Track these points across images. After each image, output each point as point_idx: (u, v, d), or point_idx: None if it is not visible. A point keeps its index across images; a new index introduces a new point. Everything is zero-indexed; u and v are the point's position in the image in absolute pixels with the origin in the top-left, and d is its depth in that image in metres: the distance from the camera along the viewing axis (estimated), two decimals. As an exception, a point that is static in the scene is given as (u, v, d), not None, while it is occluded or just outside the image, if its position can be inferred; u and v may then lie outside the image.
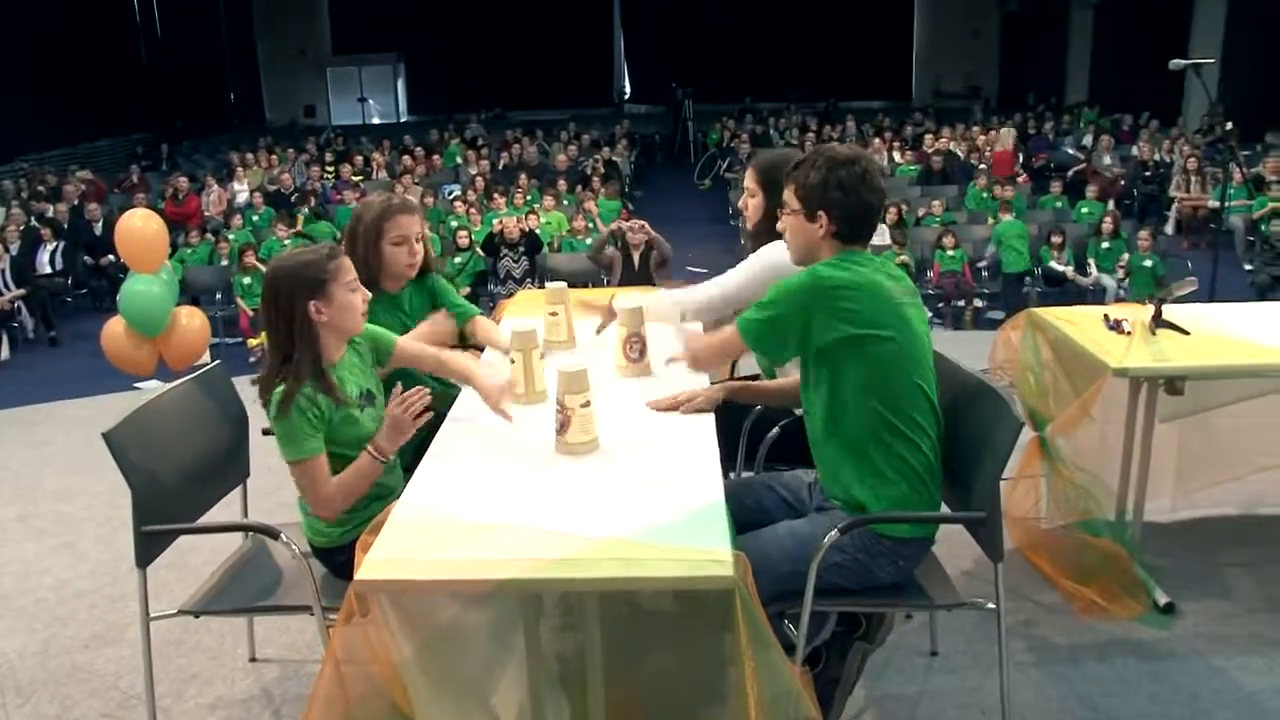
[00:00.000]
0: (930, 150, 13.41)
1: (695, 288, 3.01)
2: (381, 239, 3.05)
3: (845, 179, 2.31)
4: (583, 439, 2.37)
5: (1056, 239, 8.89)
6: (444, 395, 2.97)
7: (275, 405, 2.36)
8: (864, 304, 2.24)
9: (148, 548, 2.51)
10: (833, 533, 2.25)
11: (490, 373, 2.73)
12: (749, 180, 3.07)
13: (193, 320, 6.98)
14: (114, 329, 6.81)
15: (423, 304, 3.28)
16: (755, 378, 3.15)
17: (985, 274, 9.07)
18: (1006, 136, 13.54)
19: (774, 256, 2.85)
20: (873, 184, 2.34)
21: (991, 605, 2.42)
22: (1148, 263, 8.56)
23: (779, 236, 2.92)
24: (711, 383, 2.89)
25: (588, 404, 2.36)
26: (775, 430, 2.99)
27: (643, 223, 6.11)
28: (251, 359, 7.87)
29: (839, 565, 2.33)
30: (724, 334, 2.49)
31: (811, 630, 2.35)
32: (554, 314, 3.28)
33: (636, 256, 7.48)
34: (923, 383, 2.31)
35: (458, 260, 8.98)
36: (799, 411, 3.08)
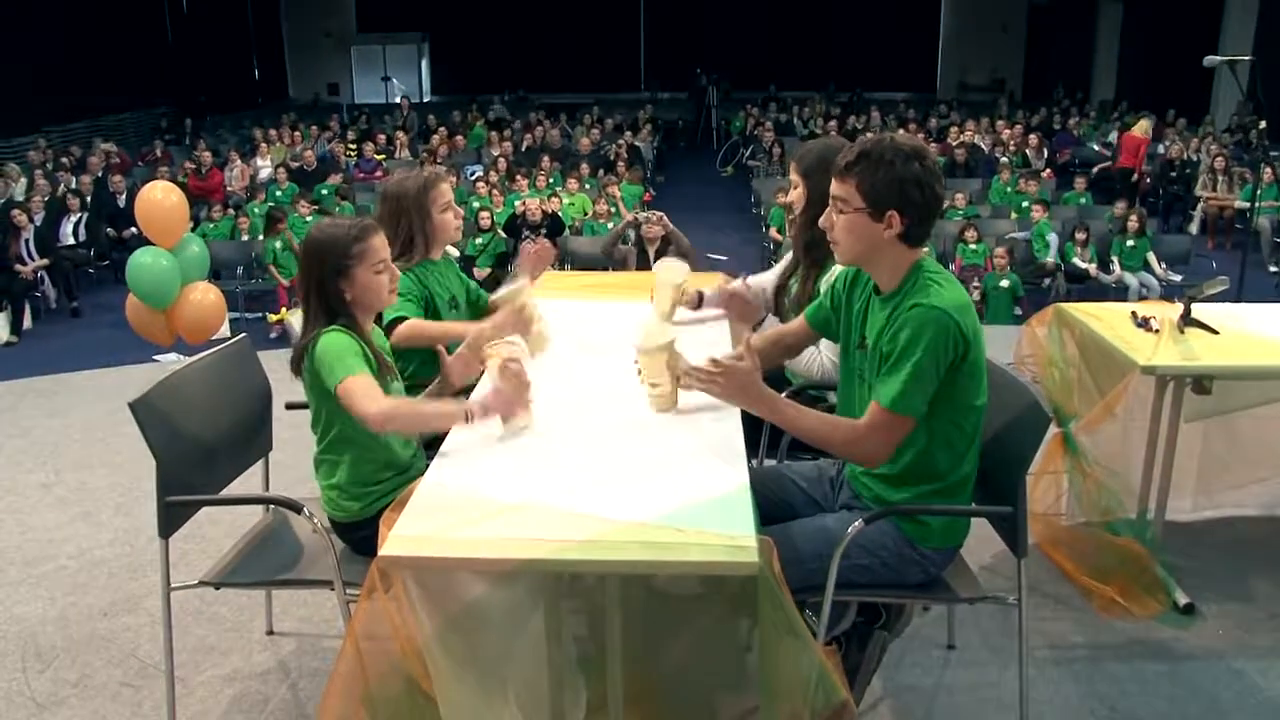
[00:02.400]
0: (954, 143, 13.32)
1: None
2: (432, 208, 3.14)
3: (920, 174, 2.11)
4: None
5: (1080, 235, 8.83)
6: None
7: (320, 340, 2.37)
8: (970, 324, 2.13)
9: (170, 519, 2.52)
10: (857, 524, 2.23)
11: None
12: (792, 171, 3.05)
13: (206, 296, 6.90)
14: (136, 298, 6.83)
15: (454, 269, 3.38)
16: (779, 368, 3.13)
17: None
18: (1146, 125, 12.73)
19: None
20: (940, 178, 2.16)
21: (1013, 600, 2.40)
22: (1004, 283, 8.31)
23: (819, 227, 2.89)
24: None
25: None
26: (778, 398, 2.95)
27: (660, 215, 6.06)
28: (272, 335, 7.89)
29: (867, 568, 2.31)
30: (885, 424, 2.14)
31: (832, 620, 2.34)
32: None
33: (652, 251, 7.39)
34: (983, 391, 2.24)
35: (479, 241, 8.97)
36: (831, 398, 3.08)
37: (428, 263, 3.18)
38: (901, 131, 13.65)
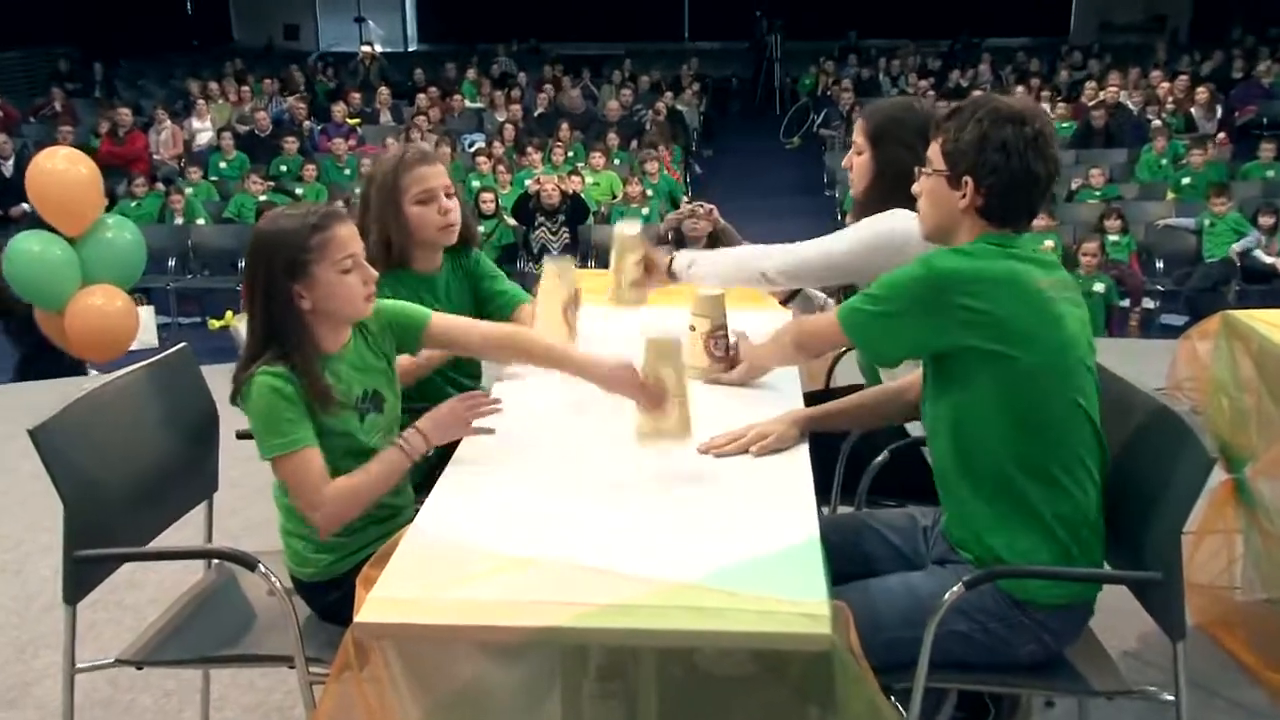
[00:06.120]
0: (1091, 102, 13.26)
1: (786, 246, 3.06)
2: (402, 198, 3.07)
3: (1011, 139, 2.25)
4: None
5: (1266, 220, 8.65)
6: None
7: (252, 390, 2.41)
8: (998, 303, 2.23)
9: (79, 579, 2.52)
10: (956, 588, 2.25)
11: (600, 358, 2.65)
12: (857, 133, 3.10)
13: (112, 301, 6.62)
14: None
15: (463, 289, 3.33)
16: (857, 388, 3.17)
17: (1160, 266, 8.88)
18: None
19: (893, 223, 2.89)
20: (1045, 151, 2.29)
21: (1169, 696, 2.38)
22: (1098, 286, 8.23)
23: (888, 206, 2.94)
24: (805, 398, 2.92)
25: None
26: (882, 456, 3.00)
27: (710, 208, 6.13)
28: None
29: (965, 636, 2.33)
30: (821, 320, 2.58)
31: (926, 711, 2.35)
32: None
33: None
34: (1085, 404, 2.30)
35: (480, 230, 9.06)
36: (915, 433, 3.11)
37: (401, 274, 3.11)
38: (1020, 90, 13.64)
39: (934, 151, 2.37)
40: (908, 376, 2.74)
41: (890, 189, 2.91)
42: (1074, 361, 2.30)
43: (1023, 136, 2.25)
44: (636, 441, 2.47)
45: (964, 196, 2.31)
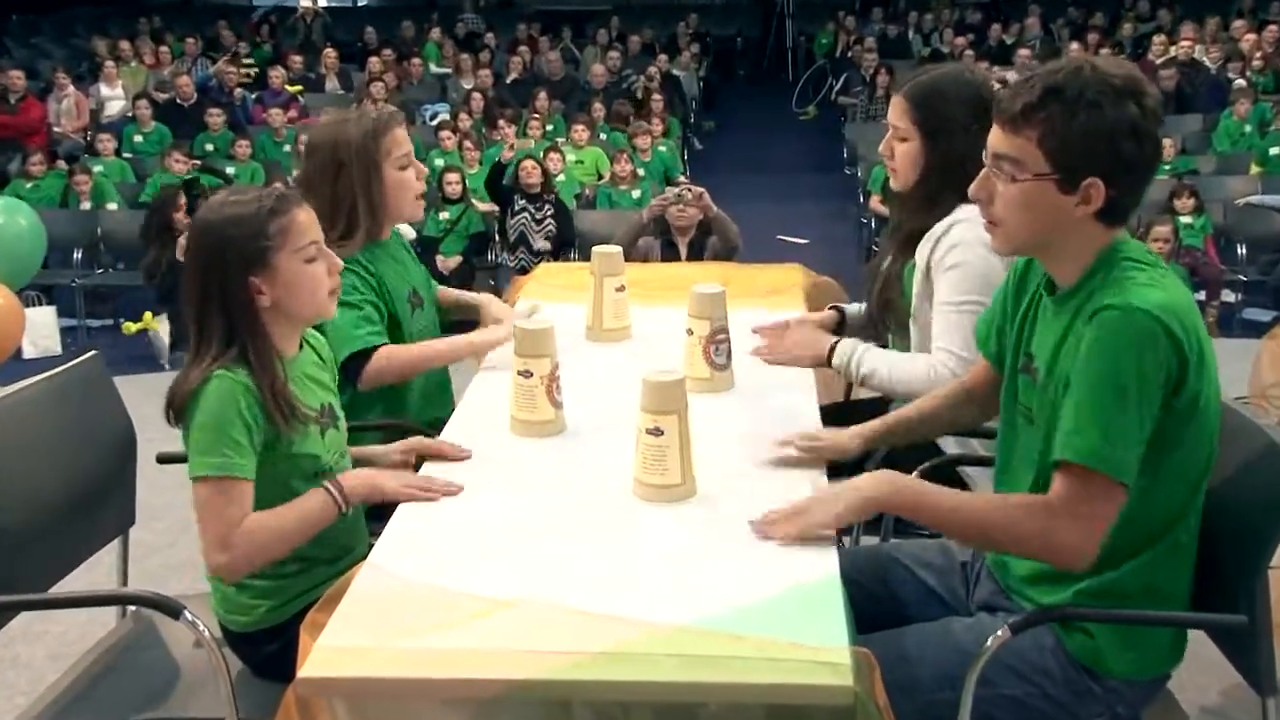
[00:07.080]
0: (1160, 60, 13.26)
1: (884, 366, 3.00)
2: (385, 162, 3.16)
3: (1137, 120, 2.09)
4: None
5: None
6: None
7: (208, 389, 2.38)
8: (1198, 332, 2.12)
9: None
10: (1000, 632, 2.23)
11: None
12: (897, 115, 3.01)
13: None
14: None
15: (407, 250, 3.49)
16: (882, 401, 3.18)
17: (1242, 252, 8.87)
18: None
19: (968, 232, 2.85)
20: (1162, 122, 2.16)
21: (1257, 763, 2.40)
22: None
23: (944, 203, 2.93)
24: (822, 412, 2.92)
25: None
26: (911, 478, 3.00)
27: (700, 190, 6.13)
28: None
29: (1019, 702, 2.31)
30: (1085, 491, 2.11)
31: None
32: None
33: (684, 244, 7.35)
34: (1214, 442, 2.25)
35: (445, 216, 9.00)
36: (948, 450, 3.11)
37: (374, 247, 3.22)
38: (1075, 48, 13.60)
39: (1022, 149, 2.15)
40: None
41: (946, 182, 2.87)
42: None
43: (1145, 111, 2.10)
44: (636, 495, 2.47)
45: (1084, 202, 2.14)
